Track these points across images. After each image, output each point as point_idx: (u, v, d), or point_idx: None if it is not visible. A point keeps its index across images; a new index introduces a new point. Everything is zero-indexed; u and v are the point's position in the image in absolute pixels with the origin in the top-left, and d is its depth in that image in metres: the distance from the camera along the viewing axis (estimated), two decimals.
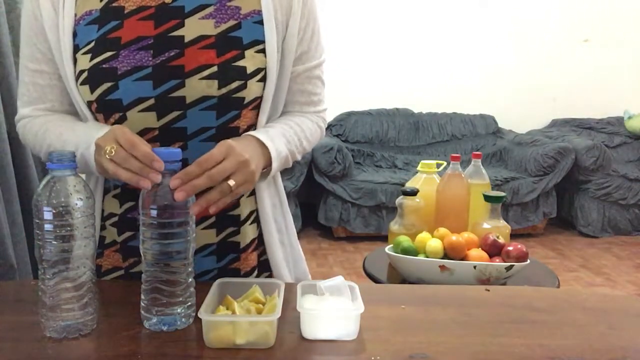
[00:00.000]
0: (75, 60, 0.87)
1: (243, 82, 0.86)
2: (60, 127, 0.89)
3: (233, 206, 0.93)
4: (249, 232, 0.96)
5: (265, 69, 0.89)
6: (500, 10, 4.52)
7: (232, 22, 0.87)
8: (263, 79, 0.89)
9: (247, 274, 0.97)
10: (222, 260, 0.95)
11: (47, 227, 0.69)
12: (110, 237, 0.95)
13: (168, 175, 0.73)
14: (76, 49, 0.87)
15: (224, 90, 0.85)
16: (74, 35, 0.87)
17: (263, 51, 0.89)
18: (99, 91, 0.84)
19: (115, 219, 0.93)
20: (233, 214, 0.94)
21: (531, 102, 4.61)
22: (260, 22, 0.89)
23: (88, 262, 0.73)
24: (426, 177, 1.82)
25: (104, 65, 0.84)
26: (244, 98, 0.87)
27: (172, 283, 0.74)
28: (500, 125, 4.57)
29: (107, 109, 0.85)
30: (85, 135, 0.84)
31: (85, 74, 0.85)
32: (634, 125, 4.40)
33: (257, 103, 0.90)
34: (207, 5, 0.87)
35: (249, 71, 0.86)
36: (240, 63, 0.86)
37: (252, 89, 0.87)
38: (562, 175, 3.95)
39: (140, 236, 0.75)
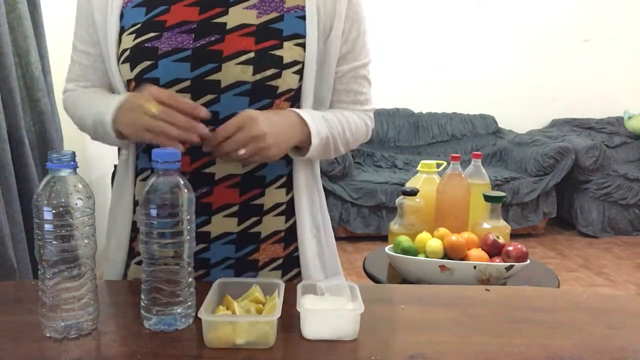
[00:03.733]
0: (119, 42, 0.91)
1: (278, 70, 0.88)
2: (93, 95, 0.95)
3: (257, 195, 0.94)
4: (272, 224, 0.96)
5: (302, 62, 0.91)
6: (500, 10, 4.51)
7: (274, 14, 0.90)
8: (299, 72, 0.91)
9: (266, 265, 0.97)
10: (240, 250, 0.95)
11: (47, 227, 0.69)
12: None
13: (167, 175, 0.73)
14: (122, 30, 0.91)
15: (258, 77, 0.87)
16: (121, 17, 0.91)
17: (302, 45, 0.90)
18: (138, 69, 0.87)
19: None
20: (256, 203, 0.94)
21: (531, 102, 4.60)
22: (303, 18, 0.91)
23: (88, 262, 0.73)
24: (426, 177, 1.82)
25: (146, 45, 0.87)
26: (277, 87, 0.88)
27: (172, 283, 0.74)
28: (500, 125, 4.57)
29: None
30: (106, 105, 0.87)
31: (127, 52, 0.89)
32: (634, 125, 4.40)
33: (290, 95, 0.92)
34: None
35: (285, 61, 0.88)
36: (278, 52, 0.88)
37: (287, 79, 0.89)
38: (562, 175, 3.95)
39: (140, 236, 0.75)
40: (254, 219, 0.95)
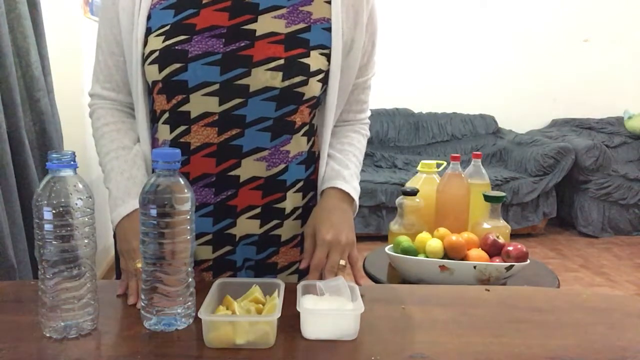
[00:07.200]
0: (145, 43, 0.91)
1: (305, 78, 0.90)
2: (109, 155, 0.95)
3: (279, 199, 0.95)
4: (291, 227, 0.98)
5: (325, 71, 0.93)
6: (500, 10, 4.51)
7: (302, 25, 0.92)
8: (322, 81, 0.93)
9: (284, 269, 0.99)
10: (261, 252, 0.97)
11: (47, 227, 0.69)
12: None
13: (167, 175, 0.73)
14: (148, 31, 0.91)
15: (286, 83, 0.89)
16: (148, 18, 0.91)
17: (325, 55, 0.93)
18: (167, 71, 0.88)
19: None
20: (278, 207, 0.95)
21: (531, 102, 4.60)
22: (329, 29, 0.93)
23: (88, 262, 0.73)
24: (426, 177, 1.82)
25: (176, 47, 0.88)
26: (303, 94, 0.91)
27: (172, 283, 0.74)
28: (500, 125, 4.56)
29: (172, 90, 0.89)
30: (119, 200, 0.91)
31: (156, 54, 0.89)
32: (634, 125, 4.39)
33: (313, 102, 0.94)
34: (281, 7, 0.92)
35: (311, 69, 0.90)
36: (305, 60, 0.90)
37: (312, 87, 0.91)
38: (562, 175, 3.95)
39: (140, 236, 0.75)
40: (275, 222, 0.96)
